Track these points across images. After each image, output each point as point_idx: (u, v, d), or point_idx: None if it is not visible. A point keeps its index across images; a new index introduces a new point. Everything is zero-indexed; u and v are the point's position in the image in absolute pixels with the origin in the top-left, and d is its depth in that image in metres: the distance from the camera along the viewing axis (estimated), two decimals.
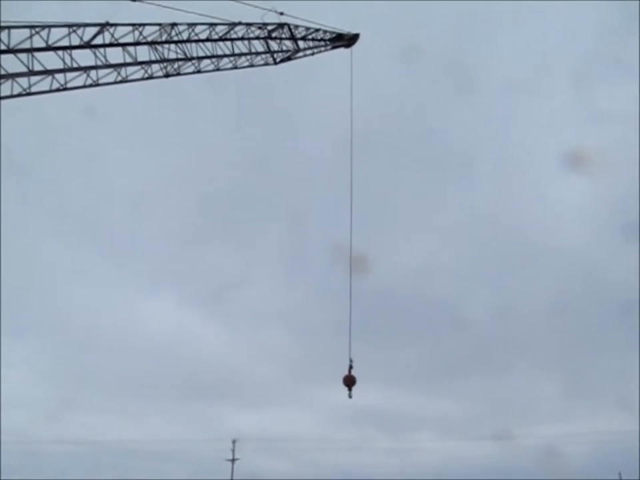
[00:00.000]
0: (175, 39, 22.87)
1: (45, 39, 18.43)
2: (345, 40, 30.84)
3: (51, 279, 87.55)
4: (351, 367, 22.62)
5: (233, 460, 68.75)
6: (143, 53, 21.93)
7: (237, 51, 25.35)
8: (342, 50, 31.49)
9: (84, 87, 20.03)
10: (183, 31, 23.09)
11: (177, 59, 23.19)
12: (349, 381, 22.48)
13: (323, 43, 29.66)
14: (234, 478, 68.65)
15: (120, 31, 20.82)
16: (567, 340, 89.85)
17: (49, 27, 18.58)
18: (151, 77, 22.71)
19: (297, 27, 27.69)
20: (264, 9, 26.32)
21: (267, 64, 27.34)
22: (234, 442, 69.92)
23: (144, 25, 21.56)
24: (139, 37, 21.42)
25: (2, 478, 26.17)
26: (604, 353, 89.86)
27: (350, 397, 22.19)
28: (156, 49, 22.23)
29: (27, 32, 18.00)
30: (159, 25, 22.12)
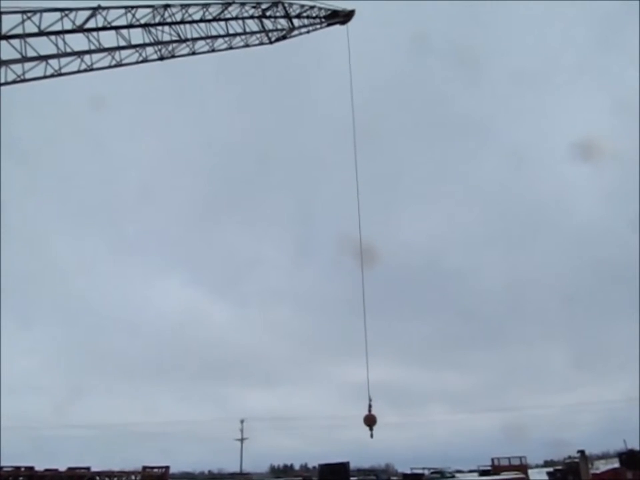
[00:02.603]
0: (169, 20, 22.62)
1: (37, 24, 18.27)
2: (341, 17, 30.35)
3: (62, 265, 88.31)
4: (370, 406, 22.54)
5: (242, 439, 70.07)
6: (137, 35, 21.74)
7: (231, 31, 25.07)
8: (338, 27, 31.17)
9: (78, 72, 19.88)
10: (176, 12, 22.81)
11: (171, 41, 22.96)
12: (370, 421, 22.24)
13: (318, 20, 29.23)
14: (243, 456, 70.09)
15: (112, 14, 20.60)
16: (574, 312, 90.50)
17: (41, 11, 18.41)
18: (145, 60, 22.53)
19: (291, 4, 27.27)
20: None
21: (262, 43, 27.02)
22: (242, 422, 71.25)
23: (136, 7, 21.31)
24: (131, 19, 21.21)
25: (11, 464, 26.53)
26: (611, 325, 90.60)
27: (372, 436, 22.27)
28: (149, 32, 22.02)
29: (18, 17, 17.85)
30: (152, 6, 21.85)
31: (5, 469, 27.15)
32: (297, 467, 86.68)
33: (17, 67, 18.03)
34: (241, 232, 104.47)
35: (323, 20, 29.63)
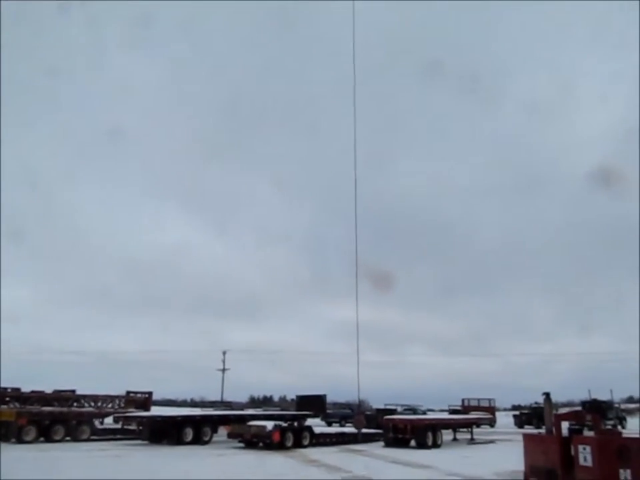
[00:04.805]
0: None
1: None
2: None
3: (57, 195, 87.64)
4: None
5: (224, 370, 72.58)
6: None
7: None
8: None
9: None
10: None
11: None
12: (359, 424, 25.68)
13: None
14: (224, 386, 72.88)
15: None
16: (566, 266, 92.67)
17: None
18: None
19: None
20: None
21: None
22: (224, 353, 73.67)
23: None
24: None
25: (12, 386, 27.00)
26: (602, 281, 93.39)
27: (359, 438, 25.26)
28: None
29: None
30: None
31: None
32: (276, 398, 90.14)
33: None
34: (239, 170, 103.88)
35: None
